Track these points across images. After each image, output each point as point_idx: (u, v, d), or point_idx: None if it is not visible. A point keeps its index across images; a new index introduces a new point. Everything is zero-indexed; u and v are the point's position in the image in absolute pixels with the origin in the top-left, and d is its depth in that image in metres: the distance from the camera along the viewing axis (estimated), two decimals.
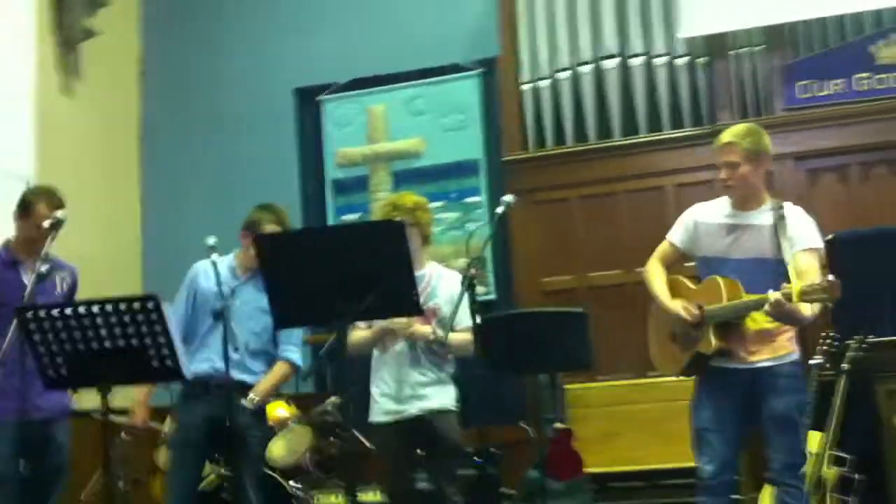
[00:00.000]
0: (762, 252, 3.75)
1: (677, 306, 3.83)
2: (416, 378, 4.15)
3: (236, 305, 4.28)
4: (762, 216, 3.78)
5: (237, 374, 4.33)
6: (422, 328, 4.11)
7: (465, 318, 4.14)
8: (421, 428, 4.13)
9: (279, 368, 4.49)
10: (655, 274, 3.99)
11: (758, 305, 3.60)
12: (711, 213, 3.93)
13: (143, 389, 4.42)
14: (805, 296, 3.41)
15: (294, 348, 4.52)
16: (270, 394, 4.55)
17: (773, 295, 3.49)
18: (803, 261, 3.65)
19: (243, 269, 4.43)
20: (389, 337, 4.18)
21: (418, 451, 4.14)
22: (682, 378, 4.03)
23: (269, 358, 4.48)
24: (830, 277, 3.41)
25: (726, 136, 3.86)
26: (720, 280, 3.76)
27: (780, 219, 3.69)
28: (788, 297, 3.43)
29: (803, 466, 3.84)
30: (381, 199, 4.46)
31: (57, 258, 4.27)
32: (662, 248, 4.03)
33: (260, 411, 4.52)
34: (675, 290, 3.93)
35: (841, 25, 6.60)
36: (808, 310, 3.57)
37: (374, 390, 4.22)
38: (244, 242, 4.42)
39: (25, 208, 4.20)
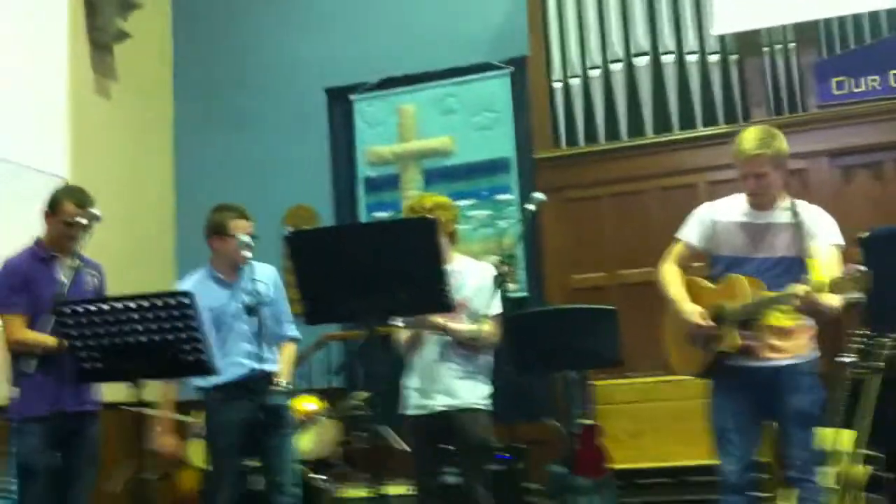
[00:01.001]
0: (784, 250, 3.73)
1: (695, 314, 3.81)
2: (445, 373, 4.16)
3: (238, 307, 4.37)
4: (780, 214, 3.77)
5: (261, 366, 4.43)
6: (455, 325, 4.11)
7: (487, 308, 4.14)
8: (447, 424, 4.13)
9: (288, 349, 4.66)
10: (672, 276, 3.96)
11: (786, 300, 3.58)
12: (729, 211, 3.91)
13: (165, 414, 4.50)
14: (836, 287, 3.40)
15: (292, 325, 4.67)
16: (292, 374, 4.69)
17: (801, 288, 3.47)
18: (828, 255, 3.62)
19: (227, 272, 4.49)
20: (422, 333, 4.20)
21: (445, 446, 4.15)
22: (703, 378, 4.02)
23: (275, 340, 4.61)
24: (862, 268, 3.38)
25: (751, 147, 3.77)
26: (743, 279, 3.74)
27: (797, 216, 3.68)
28: (819, 289, 3.41)
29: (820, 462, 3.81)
30: (408, 200, 4.49)
31: (84, 256, 4.33)
32: (677, 249, 4.00)
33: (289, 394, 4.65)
34: (692, 292, 3.91)
35: (876, 21, 6.54)
36: (836, 301, 3.53)
37: (407, 383, 4.25)
38: (214, 247, 4.48)
39: (53, 206, 4.27)
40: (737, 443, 3.81)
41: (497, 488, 4.34)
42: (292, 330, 4.67)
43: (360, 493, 5.40)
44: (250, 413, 4.33)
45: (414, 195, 4.45)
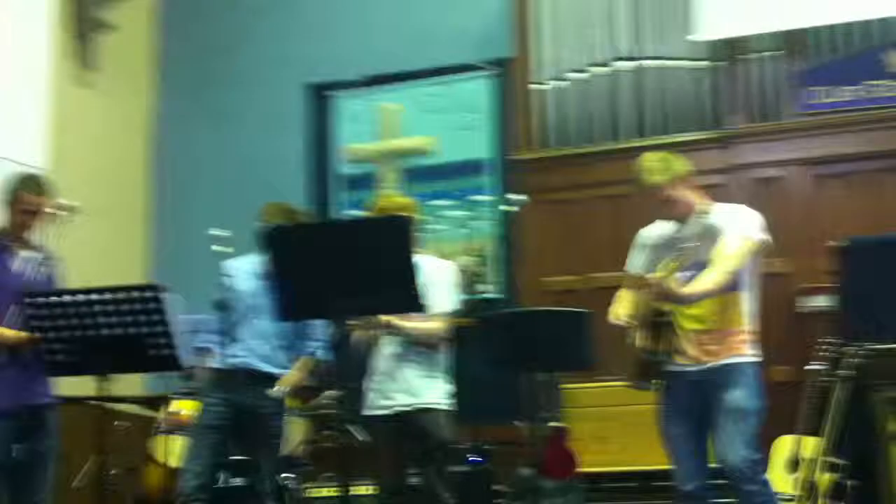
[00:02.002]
0: (700, 258, 3.77)
1: (612, 314, 3.92)
2: (404, 372, 4.17)
3: (266, 302, 4.36)
4: (691, 226, 3.85)
5: (265, 367, 4.46)
6: (401, 322, 4.10)
7: (440, 305, 4.13)
8: (408, 423, 4.15)
9: (305, 363, 4.62)
10: (617, 297, 4.06)
11: (647, 291, 3.67)
12: (653, 231, 4.03)
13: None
14: (667, 270, 3.52)
15: (318, 343, 4.64)
16: (297, 386, 4.65)
17: (649, 276, 3.61)
18: (721, 246, 3.70)
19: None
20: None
21: (407, 446, 4.16)
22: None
23: (294, 352, 4.60)
24: (688, 245, 3.54)
25: (647, 178, 3.88)
26: None
27: (708, 221, 3.76)
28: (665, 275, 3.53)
29: (762, 467, 3.82)
30: (372, 201, 4.51)
31: (42, 245, 4.25)
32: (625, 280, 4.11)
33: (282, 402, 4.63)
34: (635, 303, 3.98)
35: (853, 33, 6.58)
36: (690, 287, 3.61)
37: (366, 384, 4.25)
38: None
39: (9, 195, 4.21)
40: (683, 449, 3.84)
41: (465, 490, 4.35)
42: (316, 348, 4.63)
43: (328, 492, 5.39)
44: (243, 400, 4.36)
45: (381, 194, 4.44)
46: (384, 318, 4.07)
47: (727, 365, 3.76)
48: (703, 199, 3.96)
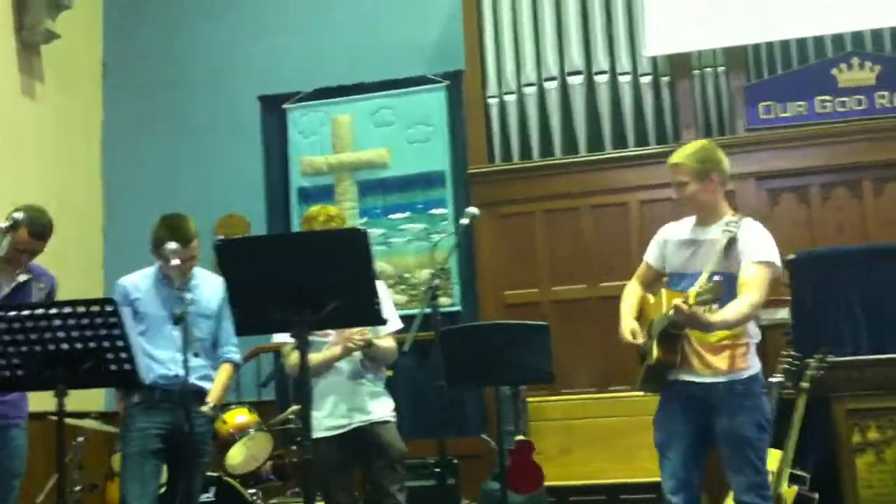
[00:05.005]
0: (713, 266, 3.74)
1: (626, 330, 3.87)
2: (358, 391, 4.16)
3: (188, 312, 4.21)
4: (717, 231, 3.81)
5: (197, 381, 4.27)
6: (352, 332, 4.08)
7: (389, 324, 4.10)
8: (364, 438, 4.12)
9: (225, 371, 4.45)
10: (627, 295, 4.02)
11: (670, 317, 3.64)
12: (677, 230, 3.97)
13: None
14: (699, 297, 3.46)
15: (235, 349, 4.49)
16: (223, 399, 4.51)
17: (674, 301, 3.53)
18: (747, 273, 3.64)
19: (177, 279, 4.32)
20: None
21: (361, 461, 4.12)
22: (642, 394, 4.04)
23: (213, 362, 4.44)
24: (716, 278, 3.45)
25: (675, 156, 3.89)
26: (664, 293, 3.82)
27: (732, 234, 3.73)
28: (686, 302, 3.48)
29: (769, 487, 3.81)
30: (307, 212, 4.44)
31: (37, 266, 4.20)
32: (640, 269, 4.07)
33: (214, 419, 4.51)
34: (644, 307, 3.97)
35: (803, 48, 6.70)
36: (718, 316, 3.56)
37: (316, 413, 4.13)
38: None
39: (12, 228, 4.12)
40: (672, 459, 3.81)
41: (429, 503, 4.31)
42: (233, 353, 4.48)
43: None
44: (177, 419, 4.16)
45: (313, 209, 4.40)
46: (362, 337, 4.04)
47: (730, 383, 3.71)
48: (729, 207, 3.92)
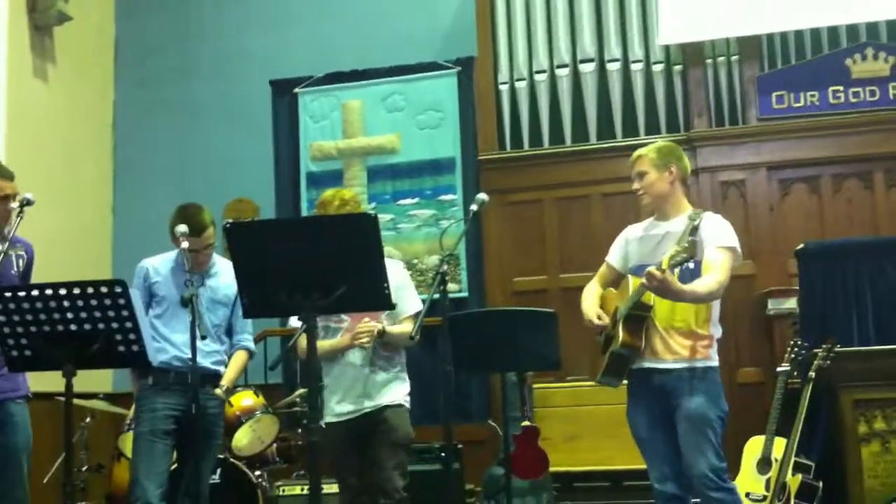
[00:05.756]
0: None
1: (591, 313, 3.92)
2: (370, 379, 4.13)
3: (200, 296, 4.24)
4: (677, 224, 3.86)
5: (211, 365, 4.32)
6: (365, 326, 4.06)
7: (408, 307, 4.13)
8: (371, 420, 4.10)
9: (240, 357, 4.50)
10: (586, 291, 4.10)
11: (643, 287, 3.66)
12: (637, 228, 4.07)
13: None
14: (672, 260, 3.50)
15: (249, 336, 4.56)
16: (235, 383, 4.58)
17: (648, 269, 3.56)
18: (713, 256, 3.71)
19: (194, 264, 4.35)
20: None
21: (369, 445, 4.11)
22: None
23: (227, 348, 4.48)
24: (691, 238, 3.51)
25: (637, 151, 4.02)
26: (630, 279, 3.87)
27: (695, 223, 3.77)
28: (659, 269, 3.51)
29: (726, 474, 3.82)
30: (323, 195, 4.41)
31: (13, 235, 4.16)
32: (601, 270, 4.14)
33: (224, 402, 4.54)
34: (604, 301, 4.02)
35: (817, 38, 6.67)
36: (688, 286, 3.61)
37: (327, 394, 4.17)
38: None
39: None
40: (650, 450, 3.84)
41: (433, 488, 4.31)
42: (248, 341, 4.54)
43: (297, 490, 5.33)
44: (184, 408, 4.19)
45: (328, 192, 4.38)
46: (374, 325, 4.03)
47: (691, 369, 3.75)
48: (687, 203, 3.98)
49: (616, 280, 4.07)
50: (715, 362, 3.80)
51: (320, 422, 4.11)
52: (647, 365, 3.80)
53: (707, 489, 3.67)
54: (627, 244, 4.04)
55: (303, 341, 4.05)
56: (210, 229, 4.33)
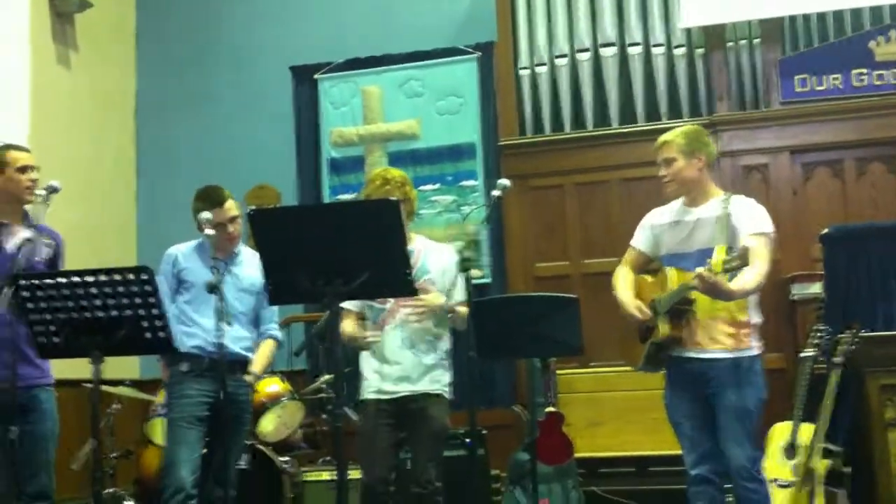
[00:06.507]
0: (708, 243, 3.79)
1: (632, 307, 3.91)
2: (410, 360, 4.13)
3: (226, 283, 4.26)
4: (709, 209, 3.84)
5: (241, 350, 4.38)
6: (433, 300, 4.07)
7: (459, 293, 4.13)
8: (408, 408, 4.10)
9: (268, 346, 4.57)
10: (619, 278, 4.07)
11: (691, 285, 3.66)
12: (664, 213, 4.04)
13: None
14: (725, 265, 3.50)
15: (276, 325, 4.63)
16: (264, 370, 4.63)
17: (698, 270, 3.56)
18: (751, 245, 3.68)
19: (221, 251, 4.37)
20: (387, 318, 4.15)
21: (402, 431, 4.11)
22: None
23: (254, 336, 4.53)
24: (744, 243, 3.52)
25: (664, 136, 3.99)
26: (667, 270, 3.84)
27: (725, 210, 3.75)
28: (715, 271, 3.51)
29: (760, 464, 3.83)
30: (370, 173, 4.41)
31: (41, 224, 4.19)
32: (628, 255, 4.13)
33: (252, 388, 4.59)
34: (639, 288, 4.01)
35: (840, 20, 6.62)
36: (736, 284, 3.60)
37: (367, 368, 4.19)
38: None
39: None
40: (689, 435, 3.86)
41: (458, 473, 4.32)
42: (275, 330, 4.61)
43: (324, 475, 5.36)
44: (217, 394, 4.20)
45: (377, 169, 4.37)
46: (439, 301, 4.05)
47: (734, 359, 3.75)
48: (716, 187, 3.97)
49: (644, 264, 4.06)
50: (757, 350, 3.82)
51: (362, 397, 4.15)
52: (688, 354, 3.81)
53: (742, 479, 3.73)
54: (655, 229, 4.02)
55: (346, 326, 4.06)
56: (231, 201, 4.40)
